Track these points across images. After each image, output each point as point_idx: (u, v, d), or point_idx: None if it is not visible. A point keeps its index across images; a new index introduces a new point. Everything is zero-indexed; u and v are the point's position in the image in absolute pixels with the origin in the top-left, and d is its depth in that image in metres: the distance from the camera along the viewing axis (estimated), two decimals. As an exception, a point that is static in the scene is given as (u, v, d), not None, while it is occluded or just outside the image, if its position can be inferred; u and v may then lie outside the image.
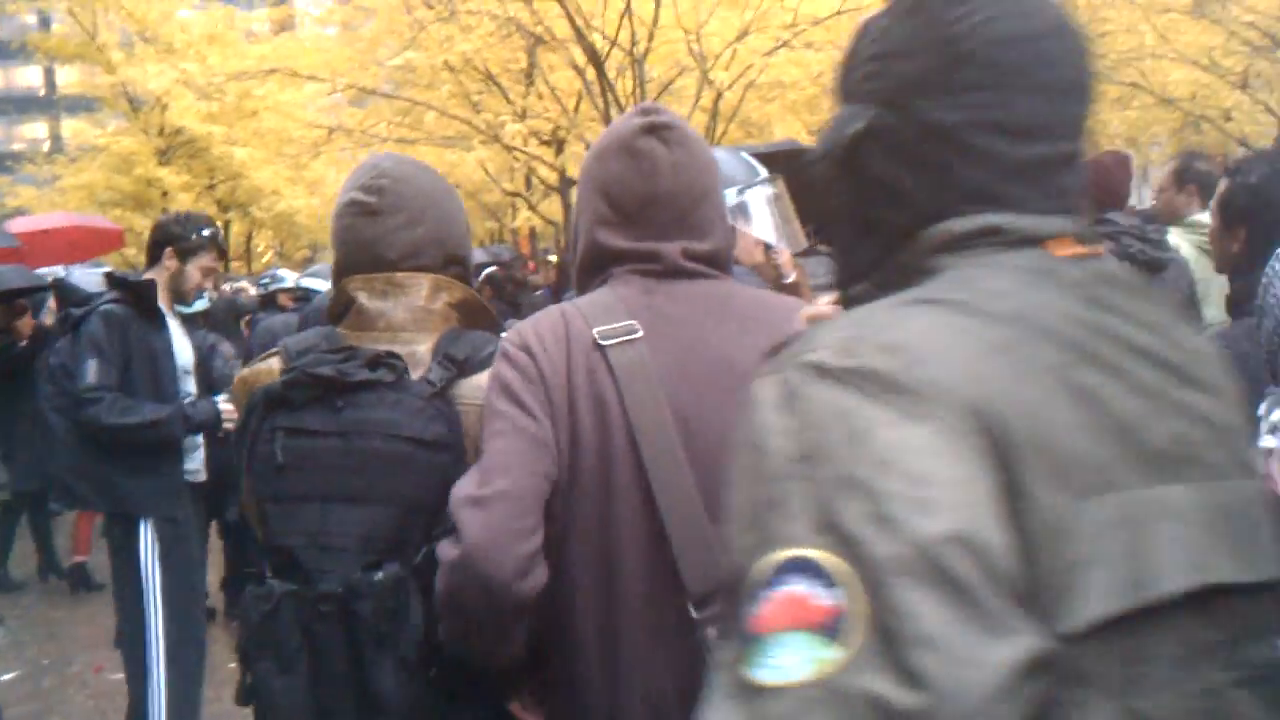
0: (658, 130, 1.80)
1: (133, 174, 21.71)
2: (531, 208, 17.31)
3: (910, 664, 0.81)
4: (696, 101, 12.02)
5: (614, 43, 11.59)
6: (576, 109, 13.43)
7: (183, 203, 20.22)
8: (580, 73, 12.03)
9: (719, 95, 12.11)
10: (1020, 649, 0.83)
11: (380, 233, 1.98)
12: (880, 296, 1.05)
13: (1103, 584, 0.91)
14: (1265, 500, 1.09)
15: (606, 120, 11.70)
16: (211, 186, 22.83)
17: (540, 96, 13.94)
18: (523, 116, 13.16)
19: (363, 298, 1.98)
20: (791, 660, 0.84)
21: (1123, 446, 0.97)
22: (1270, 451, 2.15)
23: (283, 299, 8.11)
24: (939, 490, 0.87)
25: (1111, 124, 18.71)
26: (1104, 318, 1.03)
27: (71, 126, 28.54)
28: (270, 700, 1.83)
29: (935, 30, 1.10)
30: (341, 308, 2.03)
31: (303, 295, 7.57)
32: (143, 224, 19.30)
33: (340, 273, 2.04)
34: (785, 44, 11.95)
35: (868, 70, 1.15)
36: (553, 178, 17.23)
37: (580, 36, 11.43)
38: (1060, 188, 1.11)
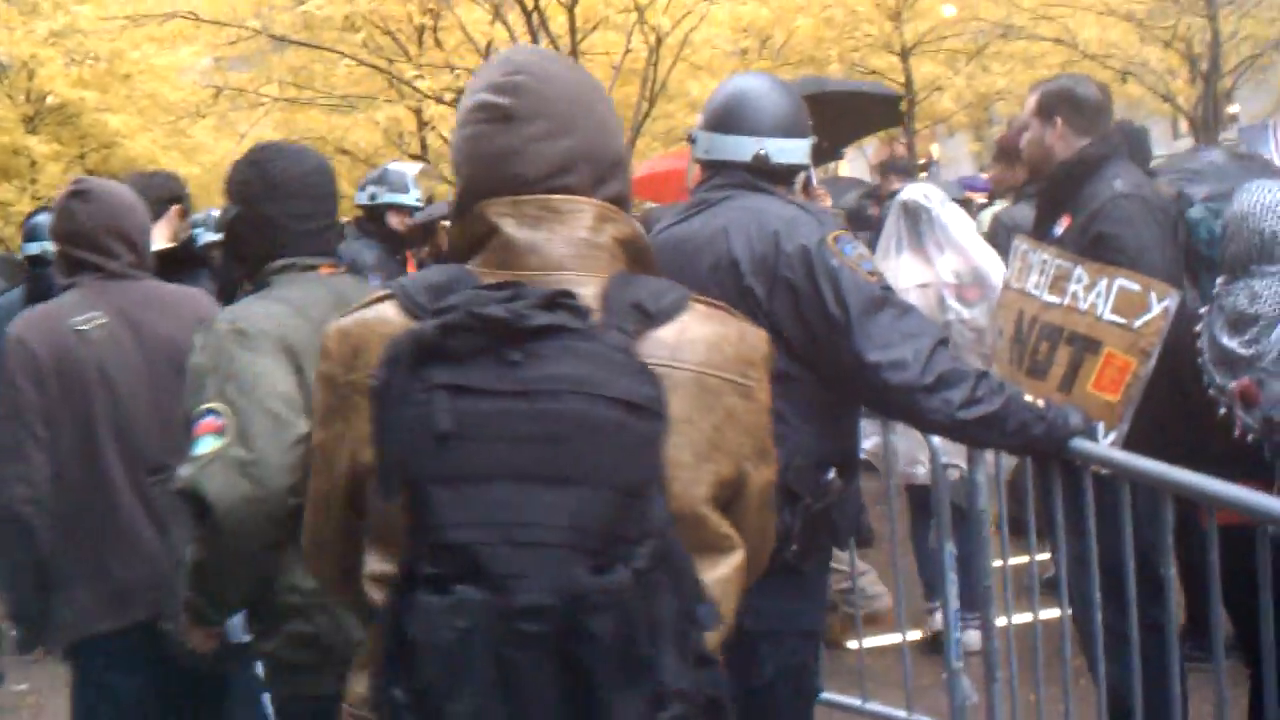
0: None
1: (-3, 142, 20.26)
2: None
3: (250, 443, 2.27)
4: (625, 54, 11.45)
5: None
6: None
7: (52, 173, 18.80)
8: (503, 21, 11.34)
9: (657, 43, 11.50)
10: (295, 433, 2.29)
11: (517, 143, 1.62)
12: (251, 294, 2.60)
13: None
14: None
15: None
16: (83, 156, 21.41)
17: (440, 47, 13.22)
18: (419, 73, 12.49)
19: (509, 226, 1.60)
20: (207, 446, 2.28)
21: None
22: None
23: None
24: (269, 376, 2.36)
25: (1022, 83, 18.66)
26: (340, 295, 2.49)
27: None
28: None
29: (263, 171, 2.63)
30: (475, 239, 1.63)
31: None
32: (9, 195, 18.09)
33: (469, 197, 1.65)
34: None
35: (236, 188, 2.66)
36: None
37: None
38: (326, 240, 2.69)
